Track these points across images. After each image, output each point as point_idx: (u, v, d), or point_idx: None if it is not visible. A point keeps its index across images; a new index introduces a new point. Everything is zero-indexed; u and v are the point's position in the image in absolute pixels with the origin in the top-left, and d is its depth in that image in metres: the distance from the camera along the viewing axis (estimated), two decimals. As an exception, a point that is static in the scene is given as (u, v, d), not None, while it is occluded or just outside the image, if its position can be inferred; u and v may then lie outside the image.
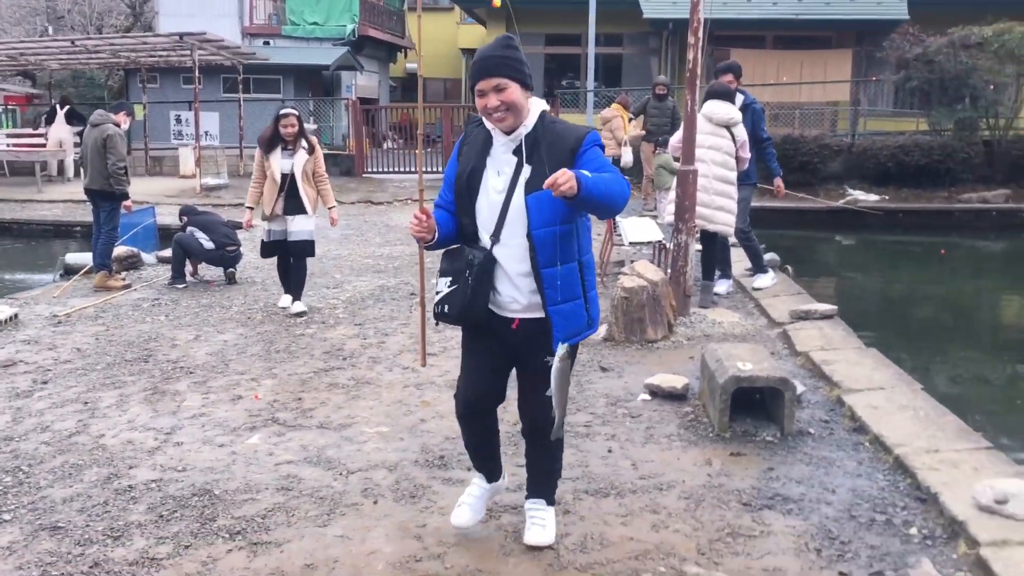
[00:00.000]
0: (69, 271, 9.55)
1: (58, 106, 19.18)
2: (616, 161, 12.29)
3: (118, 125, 8.56)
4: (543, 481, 3.36)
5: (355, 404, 5.10)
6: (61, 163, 18.63)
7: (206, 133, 19.45)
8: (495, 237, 3.02)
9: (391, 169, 19.27)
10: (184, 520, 3.60)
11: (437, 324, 3.18)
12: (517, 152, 2.99)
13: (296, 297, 7.33)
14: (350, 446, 4.43)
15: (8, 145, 19.63)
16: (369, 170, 19.15)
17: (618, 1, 20.31)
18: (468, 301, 3.02)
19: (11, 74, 25.21)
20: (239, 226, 9.56)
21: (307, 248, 7.21)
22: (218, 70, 21.45)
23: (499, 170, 3.03)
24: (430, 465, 4.17)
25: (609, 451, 4.35)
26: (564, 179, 2.67)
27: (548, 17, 22.79)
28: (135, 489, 3.91)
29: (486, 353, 3.19)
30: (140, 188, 12.17)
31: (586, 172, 2.78)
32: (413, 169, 19.26)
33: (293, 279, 7.31)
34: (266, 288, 8.46)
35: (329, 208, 7.33)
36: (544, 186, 2.71)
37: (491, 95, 2.93)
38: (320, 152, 7.22)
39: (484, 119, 3.04)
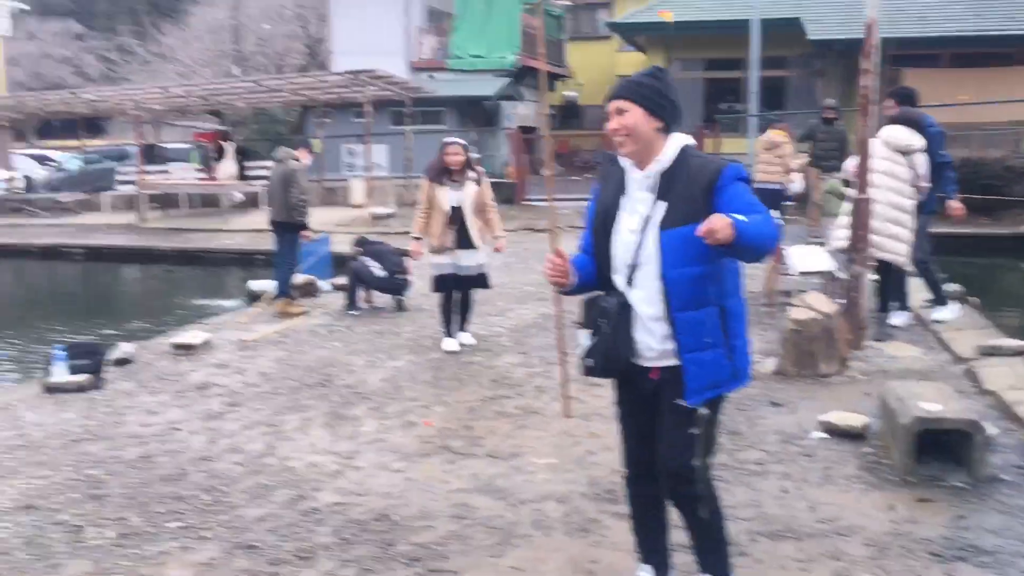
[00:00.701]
0: (253, 298, 10.18)
1: (224, 144, 20.47)
2: (782, 191, 11.91)
3: (299, 161, 9.09)
4: (708, 549, 3.00)
5: (523, 433, 5.18)
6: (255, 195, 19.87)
7: (376, 164, 20.30)
8: (629, 280, 2.86)
9: (553, 197, 19.42)
10: (366, 544, 3.76)
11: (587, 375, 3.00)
12: (652, 189, 2.83)
13: (464, 328, 7.48)
14: (520, 476, 4.50)
15: (197, 179, 21.18)
16: (529, 197, 19.44)
17: (781, 24, 19.85)
18: (609, 352, 2.88)
19: (201, 112, 27.17)
20: (407, 254, 9.92)
21: (480, 281, 7.29)
22: (387, 104, 22.37)
23: (633, 209, 2.87)
24: (599, 498, 4.18)
25: (784, 491, 4.22)
26: (720, 226, 2.48)
27: (708, 42, 22.54)
28: (320, 511, 4.11)
29: (633, 413, 3.04)
30: (315, 218, 12.85)
31: (741, 217, 2.56)
32: (573, 195, 19.38)
33: (462, 312, 7.44)
34: (434, 315, 8.69)
35: (496, 237, 7.40)
36: (697, 233, 2.52)
37: (613, 117, 2.84)
38: (487, 182, 7.30)
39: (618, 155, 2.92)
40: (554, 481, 4.42)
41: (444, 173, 7.11)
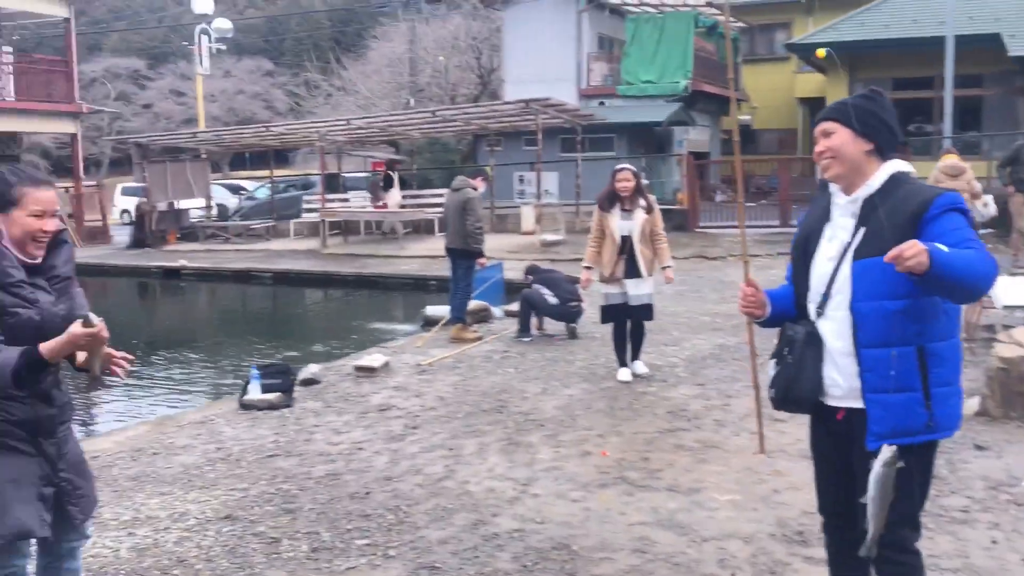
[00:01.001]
0: (429, 323, 10.46)
1: (392, 174, 21.27)
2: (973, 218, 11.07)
3: (475, 189, 9.30)
4: None
5: (702, 468, 5.04)
6: (431, 222, 20.55)
7: (546, 191, 20.56)
8: (820, 309, 2.68)
9: (724, 223, 19.07)
10: (546, 572, 3.74)
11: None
12: (855, 215, 2.65)
13: (636, 357, 7.38)
14: (701, 512, 4.37)
15: (375, 207, 22.09)
16: (702, 224, 19.10)
17: (978, 40, 18.70)
18: (791, 384, 2.70)
19: (378, 142, 28.39)
20: (578, 281, 9.94)
21: (647, 312, 7.19)
22: (557, 131, 22.64)
23: (834, 235, 2.70)
24: (788, 540, 3.99)
25: (993, 542, 3.90)
26: (911, 251, 2.26)
27: (896, 61, 21.51)
28: (500, 537, 4.13)
29: (826, 455, 2.84)
30: (487, 244, 13.14)
31: (941, 246, 2.33)
32: (746, 223, 18.88)
33: (634, 341, 7.35)
34: (606, 343, 8.65)
35: (664, 268, 7.25)
36: (886, 259, 2.31)
37: (819, 140, 2.70)
38: (658, 210, 7.19)
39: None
40: (738, 519, 4.26)
41: (614, 200, 7.06)
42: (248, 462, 5.42)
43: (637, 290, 7.07)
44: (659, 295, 10.31)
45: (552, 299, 9.05)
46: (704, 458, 5.21)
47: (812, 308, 2.74)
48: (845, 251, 2.66)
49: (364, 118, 21.65)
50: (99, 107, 29.49)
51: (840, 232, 2.70)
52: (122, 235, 23.20)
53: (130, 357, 2.72)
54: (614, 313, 7.19)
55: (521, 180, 23.45)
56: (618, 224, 7.01)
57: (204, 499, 4.79)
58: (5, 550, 2.72)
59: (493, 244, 16.76)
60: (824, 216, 2.78)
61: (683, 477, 4.89)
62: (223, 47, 37.54)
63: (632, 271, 7.01)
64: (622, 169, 7.07)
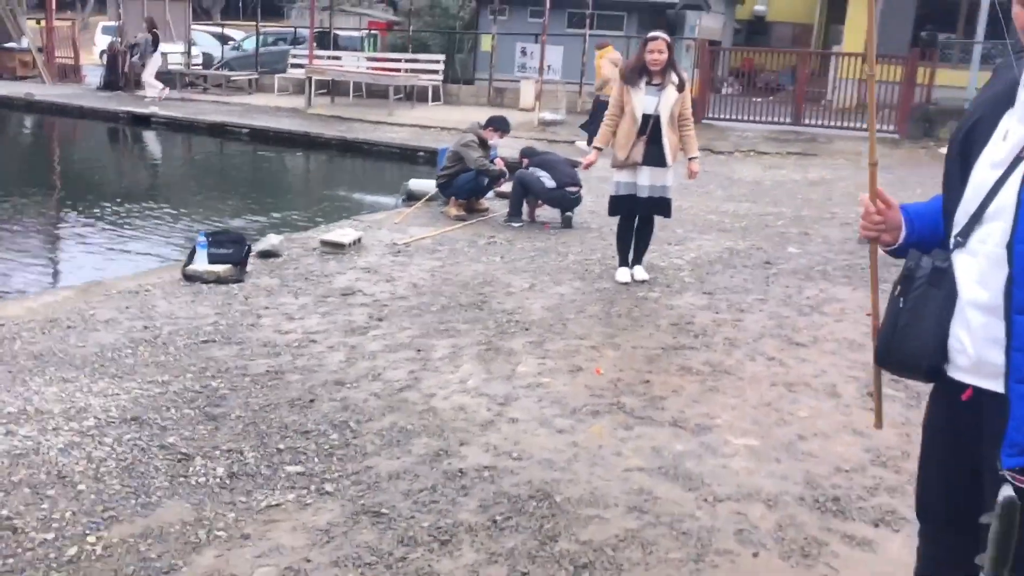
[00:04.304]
0: (411, 197, 9.51)
1: (156, 33, 19.36)
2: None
3: (478, 141, 8.34)
4: None
5: (712, 399, 4.24)
6: (424, 90, 19.24)
7: (548, 67, 19.24)
8: (962, 238, 1.80)
9: (732, 116, 17.92)
10: (520, 533, 2.96)
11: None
12: None
13: (639, 260, 6.50)
14: (713, 459, 3.58)
15: (367, 68, 20.70)
16: (708, 116, 17.95)
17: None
18: (894, 338, 1.88)
19: (376, 1, 26.65)
20: (577, 165, 8.98)
21: (664, 207, 6.26)
22: (564, 4, 21.09)
23: (1009, 130, 1.75)
24: (821, 509, 3.21)
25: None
26: None
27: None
28: (466, 475, 3.34)
29: (938, 442, 1.98)
30: (482, 117, 12.04)
31: None
32: (755, 118, 17.79)
33: (639, 241, 6.44)
34: (603, 236, 7.79)
35: (691, 158, 6.30)
36: None
37: (1015, 3, 1.72)
38: (689, 91, 6.17)
39: None
40: (758, 472, 3.48)
41: (642, 73, 6.04)
42: (176, 348, 4.57)
43: (656, 180, 6.12)
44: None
45: (549, 182, 8.10)
46: (714, 386, 4.40)
47: (952, 234, 1.83)
48: (1020, 159, 1.71)
49: (359, -31, 19.97)
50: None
51: (1020, 128, 1.73)
52: (96, 76, 21.72)
53: None
54: (625, 205, 6.25)
55: (524, 53, 22.01)
56: (642, 100, 5.99)
57: (112, 391, 3.95)
58: None
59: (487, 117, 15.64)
60: (1003, 101, 1.78)
61: (690, 410, 4.09)
62: None
63: (653, 157, 6.04)
64: (655, 38, 5.99)
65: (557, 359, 4.70)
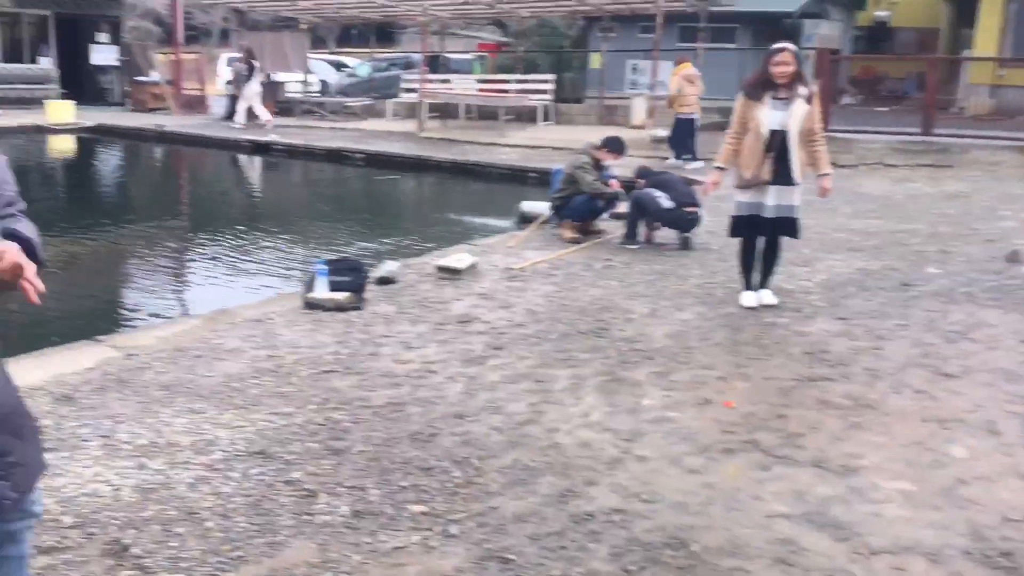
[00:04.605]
0: (524, 219, 9.44)
1: (253, 63, 19.84)
2: None
3: (593, 162, 8.23)
4: None
5: (857, 436, 3.95)
6: (534, 110, 19.25)
7: (659, 82, 18.95)
8: None
9: (855, 128, 17.22)
10: (657, 585, 2.77)
11: None
12: None
13: (765, 284, 6.20)
14: (862, 504, 3.31)
15: (478, 90, 20.88)
16: (830, 128, 17.28)
17: None
18: None
19: (485, 23, 26.92)
20: (695, 183, 8.75)
21: (791, 227, 5.94)
22: (675, 19, 20.81)
23: None
24: (992, 565, 2.91)
25: None
26: None
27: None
28: (595, 519, 3.17)
29: None
30: (593, 136, 11.92)
31: None
32: (879, 128, 17.06)
33: (766, 263, 6.14)
34: (724, 258, 7.51)
35: (821, 175, 5.96)
36: None
37: None
38: (818, 103, 5.85)
39: None
40: (915, 522, 3.19)
41: (766, 87, 5.75)
42: (300, 378, 4.57)
43: (783, 199, 5.81)
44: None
45: (666, 202, 7.87)
46: (857, 422, 4.11)
47: None
48: None
49: (470, -8, 20.20)
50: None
51: None
52: (221, 106, 22.61)
53: (40, 288, 1.75)
54: (748, 226, 5.97)
55: (634, 69, 21.80)
56: (768, 115, 5.70)
57: (239, 423, 3.96)
58: None
59: (598, 136, 15.49)
60: None
61: (832, 448, 3.82)
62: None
63: (782, 176, 5.74)
64: (781, 49, 5.67)
65: (684, 391, 4.49)
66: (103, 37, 24.96)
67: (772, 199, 5.83)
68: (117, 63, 25.16)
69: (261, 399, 4.28)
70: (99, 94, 24.84)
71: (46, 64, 23.76)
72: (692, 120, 13.53)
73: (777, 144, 5.70)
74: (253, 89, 19.74)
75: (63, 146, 18.68)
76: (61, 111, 19.67)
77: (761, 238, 6.06)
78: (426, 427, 3.98)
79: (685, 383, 4.60)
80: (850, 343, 5.29)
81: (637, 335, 5.42)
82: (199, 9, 39.81)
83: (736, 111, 5.95)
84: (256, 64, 19.84)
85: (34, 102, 21.59)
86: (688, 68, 13.58)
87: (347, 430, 3.92)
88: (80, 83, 24.17)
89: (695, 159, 13.34)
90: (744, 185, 5.91)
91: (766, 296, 6.13)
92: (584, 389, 4.50)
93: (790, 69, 5.63)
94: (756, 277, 6.18)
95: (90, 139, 19.27)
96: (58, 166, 17.32)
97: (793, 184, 5.81)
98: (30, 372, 4.49)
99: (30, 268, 1.66)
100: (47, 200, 13.17)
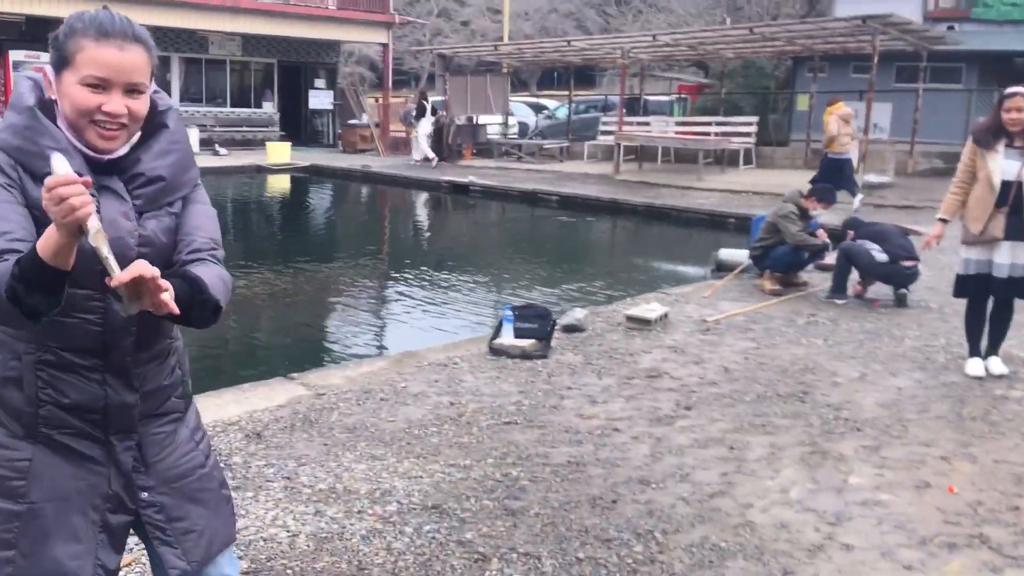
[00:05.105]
0: (721, 268, 9.04)
1: (424, 103, 20.77)
2: None
3: (803, 210, 7.75)
4: None
5: (1112, 541, 3.35)
6: (735, 153, 18.75)
7: (875, 125, 17.91)
8: None
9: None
10: None
11: None
12: None
13: (995, 351, 5.53)
14: (1123, 631, 2.77)
15: (676, 132, 20.56)
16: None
17: None
18: None
19: (687, 64, 26.58)
20: (910, 233, 8.09)
21: None
22: (892, 57, 19.69)
23: None
24: None
25: None
26: None
27: None
28: (792, 617, 2.82)
29: None
30: (799, 181, 11.33)
31: None
32: None
33: (996, 327, 5.48)
34: (945, 318, 6.84)
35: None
36: None
37: None
38: None
39: None
40: None
41: (999, 135, 5.18)
42: (479, 428, 4.46)
43: (1018, 257, 5.17)
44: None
45: (880, 255, 7.27)
46: (1113, 524, 3.50)
47: None
48: None
49: (671, 33, 19.99)
50: (410, 18, 30.05)
51: None
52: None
53: (165, 287, 1.53)
54: (976, 285, 5.36)
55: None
56: (1000, 165, 5.12)
57: (416, 473, 3.88)
58: None
59: (805, 182, 14.78)
60: None
61: (1082, 554, 3.25)
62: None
63: (1016, 231, 5.13)
64: (1014, 94, 5.09)
65: (898, 470, 4.01)
66: (320, 83, 26.64)
67: (1006, 257, 5.21)
68: (331, 107, 26.76)
69: (440, 448, 4.19)
70: (314, 136, 26.51)
71: (269, 108, 25.61)
72: (848, 160, 13.39)
73: (1011, 196, 5.11)
74: (423, 129, 20.80)
75: (278, 185, 19.97)
76: (279, 152, 21.08)
77: (991, 299, 5.43)
78: (607, 491, 3.74)
79: (900, 461, 4.12)
80: (1101, 426, 4.59)
81: (844, 402, 4.95)
82: (409, 55, 41.91)
83: (963, 158, 5.40)
84: (427, 105, 20.94)
85: (256, 143, 23.33)
86: (842, 108, 13.47)
87: (524, 489, 3.75)
88: (298, 125, 25.90)
89: (856, 193, 13.20)
90: (971, 241, 5.32)
91: (995, 364, 5.47)
92: (783, 460, 4.12)
93: None
94: (984, 342, 5.54)
95: (303, 178, 20.50)
96: (271, 203, 18.49)
97: (1032, 240, 5.16)
98: (228, 407, 4.65)
99: (149, 272, 1.48)
100: (257, 236, 14.05)
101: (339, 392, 4.98)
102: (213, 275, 1.76)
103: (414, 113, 20.98)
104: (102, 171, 1.74)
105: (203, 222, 1.87)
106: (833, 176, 12.99)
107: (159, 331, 1.85)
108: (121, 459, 1.83)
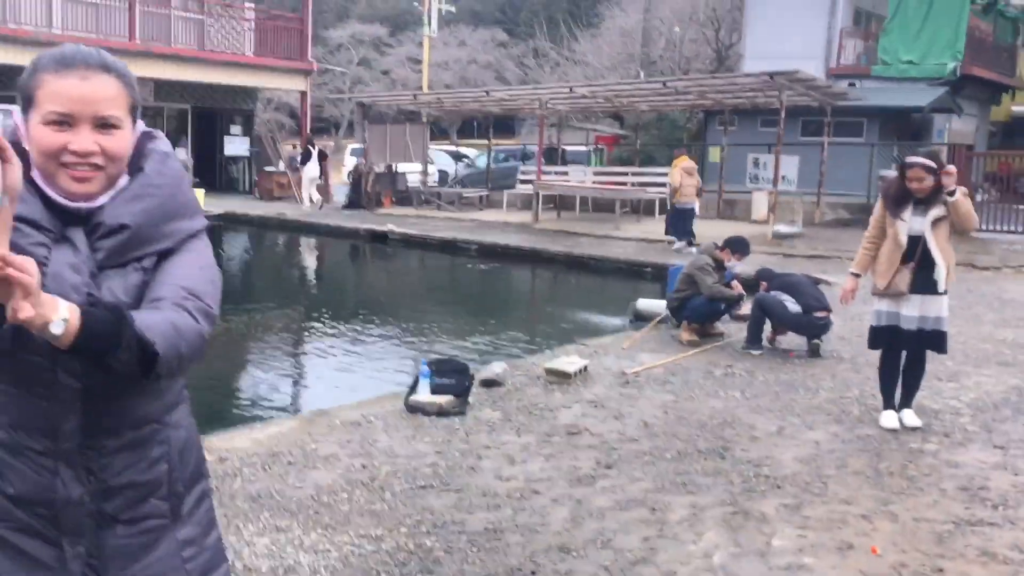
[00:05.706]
0: (639, 317, 9.04)
1: (311, 148, 21.81)
2: None
3: (718, 261, 7.84)
4: None
5: (1033, 602, 3.33)
6: (651, 203, 19.00)
7: (783, 178, 18.41)
8: None
9: (995, 227, 16.26)
10: None
11: None
12: None
13: (908, 404, 5.58)
14: None
15: (594, 182, 20.79)
16: (966, 227, 16.37)
17: None
18: None
19: (603, 115, 27.02)
20: (820, 283, 8.25)
21: (937, 341, 5.33)
22: (798, 112, 20.35)
23: None
24: None
25: None
26: None
27: None
28: None
29: None
30: (711, 232, 11.53)
31: None
32: (1019, 228, 16.06)
33: (908, 379, 5.56)
34: (858, 369, 6.91)
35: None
36: None
37: None
38: (965, 202, 5.27)
39: None
40: None
41: (903, 202, 5.26)
42: (393, 494, 4.25)
43: (927, 310, 5.25)
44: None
45: (793, 306, 7.35)
46: (1032, 583, 3.49)
47: None
48: None
49: (588, 85, 20.33)
50: (329, 66, 29.93)
51: None
52: (344, 195, 23.22)
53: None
54: (888, 337, 5.42)
55: (756, 163, 21.32)
56: (908, 223, 5.22)
57: (323, 547, 3.65)
58: None
59: (716, 232, 15.03)
60: None
61: (1004, 617, 3.21)
62: (452, 9, 37.36)
63: (923, 285, 5.21)
64: (915, 165, 5.13)
65: (820, 531, 3.95)
66: (236, 129, 26.20)
67: (915, 310, 5.28)
68: (247, 153, 26.31)
69: (350, 517, 3.97)
70: (229, 183, 25.96)
71: (182, 155, 25.02)
72: (691, 209, 14.61)
73: (919, 252, 5.19)
74: (309, 174, 21.68)
75: (192, 232, 19.37)
76: (193, 199, 20.52)
77: (903, 351, 5.49)
78: (526, 561, 3.57)
79: (821, 520, 4.06)
80: (1013, 478, 4.64)
81: (763, 457, 4.91)
82: (329, 102, 41.69)
83: (875, 214, 5.50)
84: (312, 150, 21.77)
85: (169, 190, 22.63)
86: (687, 161, 14.93)
87: (439, 561, 3.56)
88: (213, 172, 25.32)
89: (692, 244, 14.01)
90: (880, 293, 5.40)
91: (909, 417, 5.52)
92: (705, 522, 4.02)
93: (926, 185, 5.13)
94: (897, 394, 5.59)
95: (217, 226, 19.98)
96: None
97: (938, 293, 5.25)
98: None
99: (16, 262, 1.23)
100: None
101: (244, 456, 4.71)
102: (160, 317, 1.46)
103: (299, 159, 21.46)
104: (69, 221, 1.51)
105: (183, 272, 1.55)
106: (678, 223, 14.51)
107: (126, 411, 1.54)
108: (71, 568, 1.54)
